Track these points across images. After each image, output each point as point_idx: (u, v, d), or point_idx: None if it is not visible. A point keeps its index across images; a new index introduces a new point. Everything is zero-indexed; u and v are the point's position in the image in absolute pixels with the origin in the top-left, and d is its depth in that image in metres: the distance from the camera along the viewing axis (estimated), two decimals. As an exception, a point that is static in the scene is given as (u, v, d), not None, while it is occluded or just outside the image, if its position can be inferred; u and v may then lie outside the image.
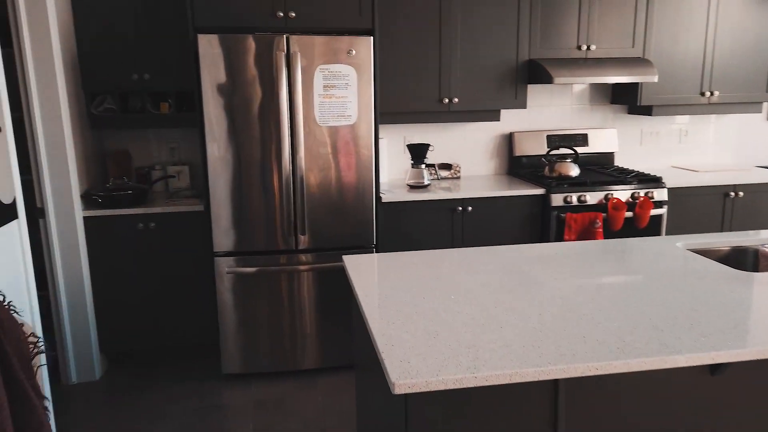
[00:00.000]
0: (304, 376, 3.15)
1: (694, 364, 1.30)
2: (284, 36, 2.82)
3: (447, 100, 3.44)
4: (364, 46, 2.87)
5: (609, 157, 3.94)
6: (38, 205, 2.95)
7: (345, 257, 2.06)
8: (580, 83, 3.72)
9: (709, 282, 1.75)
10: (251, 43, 2.79)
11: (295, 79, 2.85)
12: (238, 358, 3.08)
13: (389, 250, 3.24)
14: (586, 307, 1.58)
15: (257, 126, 2.87)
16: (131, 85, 3.18)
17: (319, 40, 2.83)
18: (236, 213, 2.94)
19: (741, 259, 2.20)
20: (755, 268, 2.18)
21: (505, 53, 3.47)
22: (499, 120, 3.62)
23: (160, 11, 3.15)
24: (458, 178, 3.78)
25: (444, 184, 3.60)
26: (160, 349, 3.39)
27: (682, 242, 2.19)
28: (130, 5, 3.12)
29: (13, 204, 2.20)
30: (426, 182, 3.43)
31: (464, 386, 1.21)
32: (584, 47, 3.52)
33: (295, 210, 2.98)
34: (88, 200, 3.11)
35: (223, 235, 2.95)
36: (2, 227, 2.12)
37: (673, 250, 2.12)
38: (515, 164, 3.85)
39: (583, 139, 3.88)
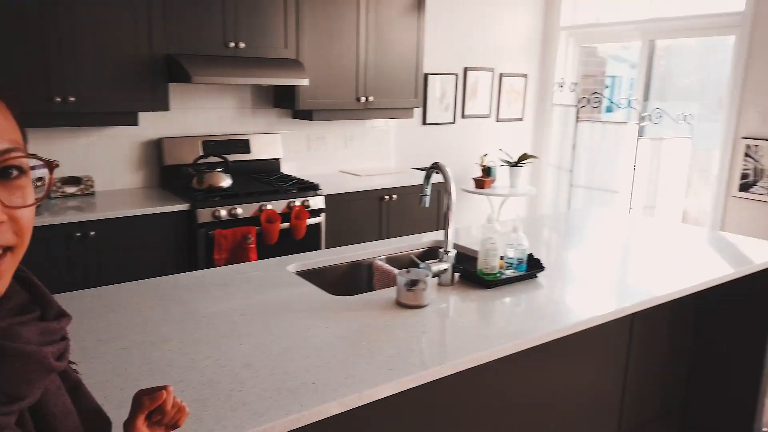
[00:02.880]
0: None
1: None
2: None
3: (60, 99, 2.77)
4: None
5: (274, 163, 3.72)
6: None
7: None
8: (222, 83, 3.41)
9: (294, 316, 1.53)
10: None
11: None
12: None
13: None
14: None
15: None
16: None
17: None
18: None
19: (356, 275, 2.08)
20: (370, 282, 2.09)
21: (138, 47, 2.95)
22: (137, 124, 3.08)
23: None
24: (91, 194, 3.12)
25: (71, 202, 2.92)
26: None
27: (294, 264, 1.98)
28: None
29: None
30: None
31: None
32: (232, 45, 3.20)
33: None
34: None
35: None
36: None
37: (281, 276, 1.88)
38: (168, 175, 3.35)
39: (244, 145, 3.59)
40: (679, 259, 2.26)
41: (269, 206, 3.11)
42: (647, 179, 4.11)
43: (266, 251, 3.03)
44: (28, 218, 0.58)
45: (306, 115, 3.67)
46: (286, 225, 3.13)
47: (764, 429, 2.49)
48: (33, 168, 0.60)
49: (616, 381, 2.32)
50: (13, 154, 0.56)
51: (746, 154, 3.81)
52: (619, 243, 2.60)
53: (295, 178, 3.50)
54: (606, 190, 4.28)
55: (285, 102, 3.63)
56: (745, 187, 3.84)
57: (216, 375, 1.24)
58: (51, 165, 0.60)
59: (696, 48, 4.72)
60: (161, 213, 2.87)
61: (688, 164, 4.20)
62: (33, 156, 0.58)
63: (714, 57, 4.67)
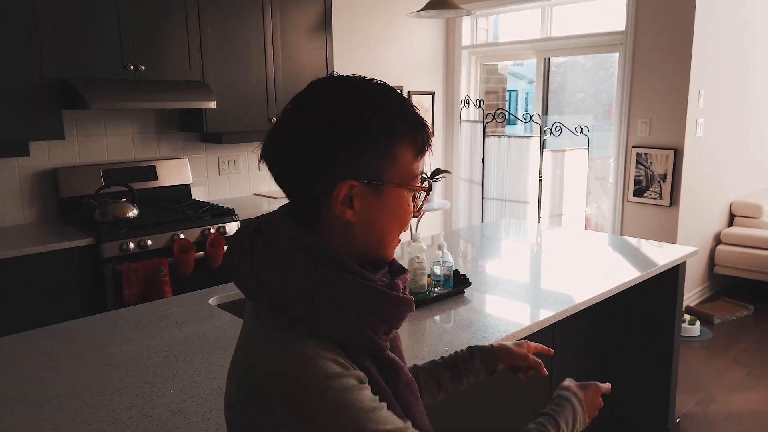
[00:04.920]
0: None
1: None
2: None
3: (-65, 131, 2.49)
4: None
5: (184, 190, 3.55)
6: None
7: None
8: (124, 109, 3.23)
9: (222, 352, 1.44)
10: None
11: None
12: None
13: None
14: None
15: None
16: None
17: None
18: None
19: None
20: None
21: (27, 71, 2.71)
22: (28, 155, 2.83)
23: None
24: (-24, 233, 2.82)
25: (-48, 244, 2.62)
26: None
27: (216, 297, 1.88)
28: None
29: None
30: None
31: None
32: (131, 68, 3.03)
33: None
34: None
35: None
36: None
37: (202, 309, 1.78)
38: (66, 208, 3.10)
39: (150, 172, 3.40)
40: (590, 264, 2.38)
41: (182, 235, 2.95)
42: (552, 189, 4.33)
43: (182, 283, 2.88)
44: None
45: (215, 138, 3.54)
46: (201, 254, 2.98)
47: (677, 419, 2.67)
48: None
49: (543, 388, 2.39)
50: None
51: (638, 162, 4.12)
52: (534, 252, 2.71)
53: (207, 203, 3.36)
54: (516, 201, 4.46)
55: (192, 125, 3.49)
56: (639, 193, 4.15)
57: (141, 426, 1.14)
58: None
59: (586, 64, 5.08)
60: (62, 250, 2.64)
61: (587, 173, 4.47)
62: None
63: (603, 72, 5.04)
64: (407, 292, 0.82)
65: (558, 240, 2.87)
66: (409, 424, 0.72)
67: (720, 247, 4.58)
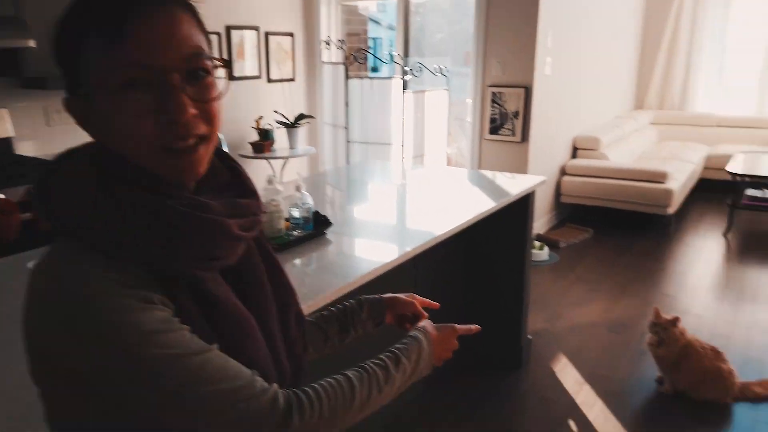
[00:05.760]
0: None
1: None
2: None
3: None
4: None
5: (4, 144, 3.08)
6: None
7: None
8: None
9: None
10: None
11: None
12: None
13: None
14: None
15: None
16: None
17: None
18: None
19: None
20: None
21: None
22: None
23: None
24: None
25: None
26: None
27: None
28: None
29: None
30: None
31: None
32: None
33: None
34: None
35: None
36: None
37: (23, 277, 1.54)
38: None
39: (-43, 125, 2.89)
40: (450, 199, 2.43)
41: (1, 195, 2.56)
42: (415, 130, 4.38)
43: (7, 248, 2.51)
44: (217, 109, 0.69)
45: (39, 83, 3.08)
46: (27, 215, 2.62)
47: (529, 337, 2.88)
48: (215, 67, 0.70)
49: (409, 321, 2.45)
50: (201, 58, 0.67)
51: (493, 101, 4.28)
52: (397, 192, 2.71)
53: (34, 158, 2.94)
54: (380, 143, 4.46)
55: (8, 69, 2.99)
56: (494, 130, 4.32)
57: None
58: (226, 63, 0.75)
59: (444, 4, 5.11)
60: None
61: (447, 114, 4.57)
62: (214, 58, 0.69)
63: (461, 13, 5.12)
64: (259, 225, 0.77)
65: (420, 179, 2.90)
66: (214, 347, 0.66)
67: (565, 178, 4.97)
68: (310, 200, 1.82)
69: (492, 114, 4.29)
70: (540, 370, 2.79)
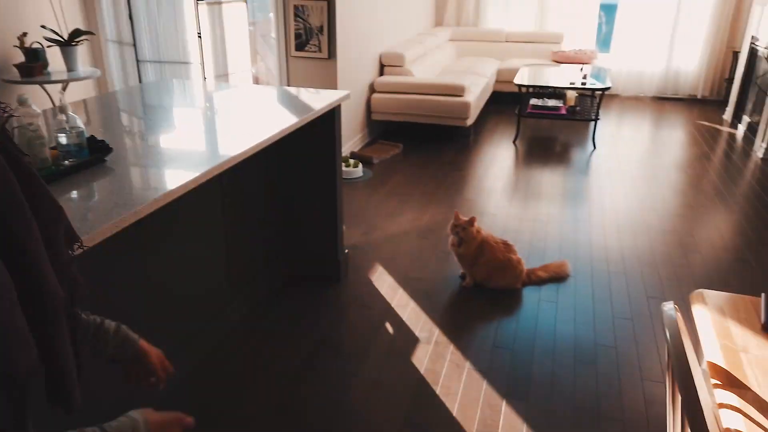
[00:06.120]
0: None
1: None
2: None
3: None
4: None
5: None
6: None
7: None
8: None
9: None
10: None
11: None
12: None
13: None
14: None
15: None
16: None
17: None
18: None
19: None
20: None
21: None
22: None
23: None
24: None
25: None
26: None
27: None
28: None
29: None
30: None
31: None
32: None
33: None
34: None
35: None
36: None
37: None
38: None
39: None
40: (252, 118, 2.30)
41: None
42: (214, 47, 4.05)
43: None
44: None
45: None
46: None
47: (346, 251, 2.96)
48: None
49: (219, 248, 2.34)
50: None
51: (296, 15, 4.09)
52: (200, 112, 2.50)
53: None
54: (177, 62, 4.06)
55: None
56: (300, 47, 4.17)
57: None
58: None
59: None
60: None
61: (248, 30, 4.29)
62: None
63: None
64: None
65: (221, 98, 2.70)
66: None
67: (374, 95, 5.05)
68: (79, 123, 1.58)
69: (297, 29, 4.12)
70: (358, 281, 2.89)
